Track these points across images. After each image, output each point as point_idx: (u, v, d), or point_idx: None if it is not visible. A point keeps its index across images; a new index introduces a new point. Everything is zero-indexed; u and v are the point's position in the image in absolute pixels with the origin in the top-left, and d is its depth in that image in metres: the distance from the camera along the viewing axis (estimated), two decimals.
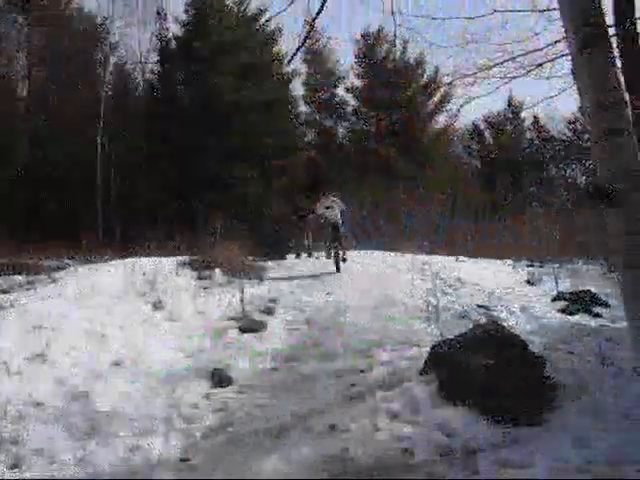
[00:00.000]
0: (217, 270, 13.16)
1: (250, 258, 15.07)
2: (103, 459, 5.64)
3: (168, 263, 13.56)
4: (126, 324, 9.63)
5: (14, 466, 5.53)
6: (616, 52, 8.37)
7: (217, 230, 16.21)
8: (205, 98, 33.24)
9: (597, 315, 9.88)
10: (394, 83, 43.13)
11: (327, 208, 15.19)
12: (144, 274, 12.35)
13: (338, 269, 14.19)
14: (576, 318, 9.55)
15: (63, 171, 33.04)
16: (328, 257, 15.09)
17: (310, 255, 17.86)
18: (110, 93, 37.68)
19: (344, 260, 14.61)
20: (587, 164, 45.49)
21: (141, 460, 5.66)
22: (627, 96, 8.23)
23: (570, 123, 51.31)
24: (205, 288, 12.00)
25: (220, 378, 7.64)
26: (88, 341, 8.85)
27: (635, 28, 9.37)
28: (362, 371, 7.68)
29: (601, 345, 7.63)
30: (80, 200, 32.58)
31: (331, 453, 5.55)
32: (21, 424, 5.97)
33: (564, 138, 53.43)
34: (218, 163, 32.09)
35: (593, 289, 11.05)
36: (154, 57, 40.05)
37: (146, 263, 13.45)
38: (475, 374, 6.25)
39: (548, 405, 6.25)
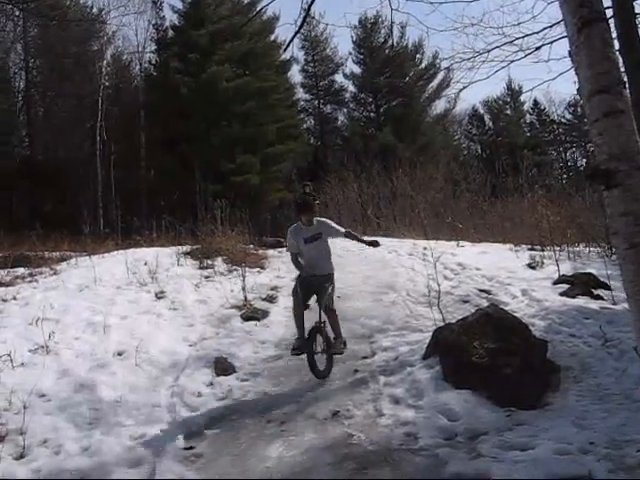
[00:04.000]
0: (219, 259, 13.19)
1: (251, 246, 15.09)
2: (108, 448, 5.66)
3: (169, 253, 13.59)
4: (128, 314, 9.66)
5: (20, 456, 5.57)
6: (614, 33, 8.35)
7: (218, 219, 16.19)
8: (203, 87, 33.16)
9: (598, 297, 9.85)
10: (393, 69, 43.08)
11: (309, 242, 7.47)
12: (145, 264, 12.38)
13: (317, 372, 7.08)
14: (577, 301, 9.52)
15: (62, 163, 33.06)
16: (299, 347, 7.23)
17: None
18: (108, 84, 37.60)
19: (333, 352, 7.29)
20: (587, 147, 45.49)
21: (146, 449, 5.68)
22: (625, 77, 8.23)
23: (570, 106, 51.26)
24: (207, 277, 12.02)
25: (223, 366, 7.68)
26: (91, 332, 8.90)
27: (633, 8, 9.32)
28: (365, 357, 7.72)
29: (602, 327, 7.64)
30: (80, 191, 32.60)
31: (335, 439, 5.58)
32: (26, 415, 5.98)
33: (564, 121, 53.38)
34: (218, 151, 32.08)
35: (594, 271, 11.04)
36: (151, 47, 40.05)
37: (147, 253, 13.49)
38: (477, 358, 6.27)
39: (550, 387, 6.29)
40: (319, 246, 7.47)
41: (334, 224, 7.91)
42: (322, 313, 7.26)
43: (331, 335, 7.36)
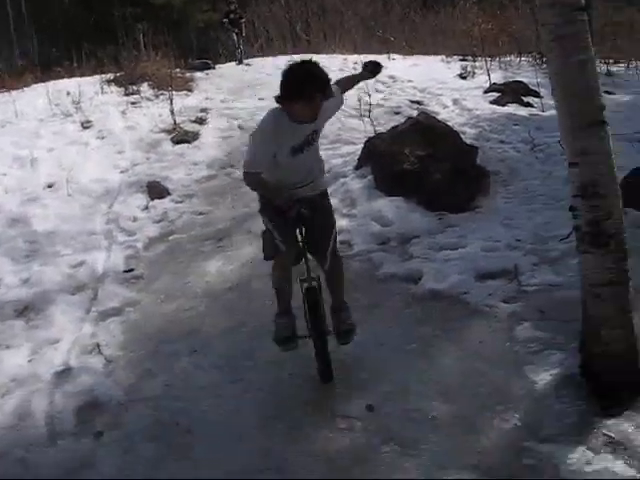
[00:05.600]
0: (144, 84, 12.72)
1: (178, 70, 14.56)
2: (48, 278, 5.69)
3: (92, 82, 13.02)
4: (55, 146, 9.38)
5: None
6: None
7: (141, 43, 15.50)
8: None
9: (528, 105, 9.99)
10: None
11: (300, 151, 3.73)
12: (68, 94, 11.85)
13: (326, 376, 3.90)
14: (508, 108, 9.65)
15: None
16: (289, 336, 3.97)
17: (241, 62, 17.25)
18: None
19: (348, 334, 3.98)
20: None
21: (86, 275, 5.73)
22: None
23: None
24: (133, 103, 11.62)
25: (157, 190, 7.66)
26: (18, 166, 8.66)
27: None
28: None
29: (531, 133, 7.79)
30: None
31: None
32: None
33: None
34: None
35: (525, 80, 11.11)
36: None
37: (69, 84, 12.88)
38: (408, 165, 6.35)
39: (480, 192, 6.46)
40: (314, 152, 3.96)
41: (332, 90, 3.77)
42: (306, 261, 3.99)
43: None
